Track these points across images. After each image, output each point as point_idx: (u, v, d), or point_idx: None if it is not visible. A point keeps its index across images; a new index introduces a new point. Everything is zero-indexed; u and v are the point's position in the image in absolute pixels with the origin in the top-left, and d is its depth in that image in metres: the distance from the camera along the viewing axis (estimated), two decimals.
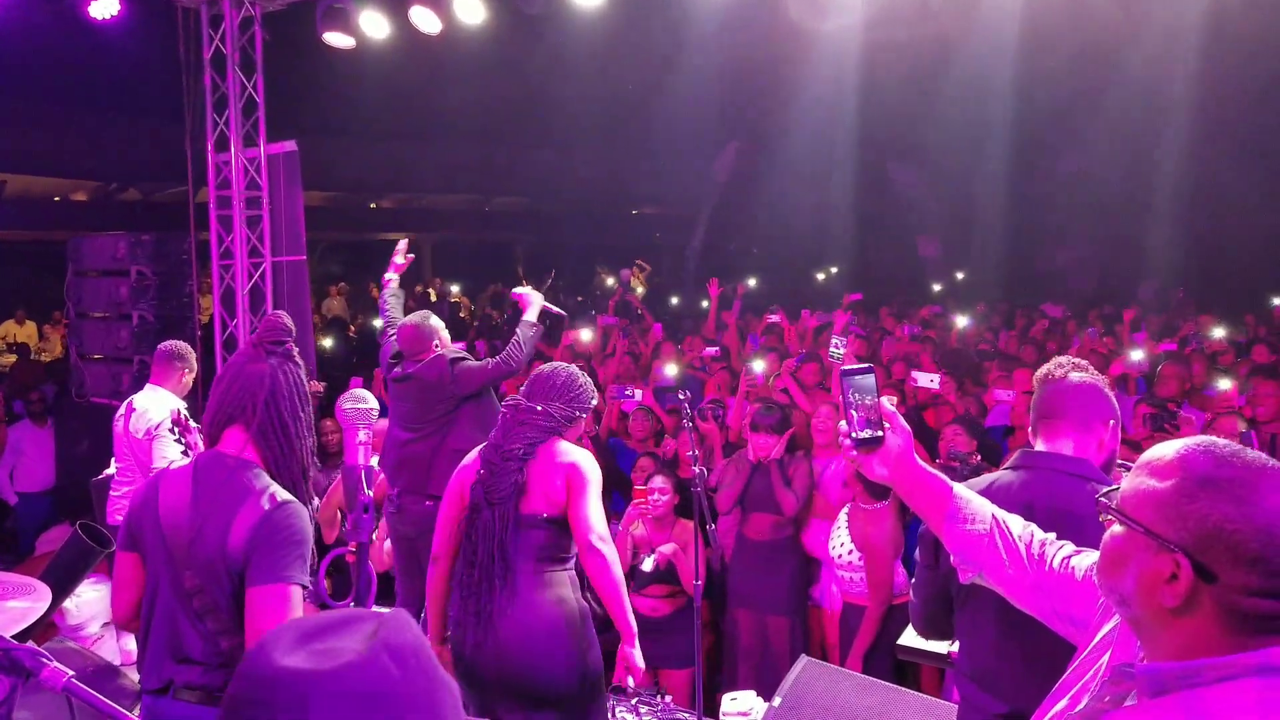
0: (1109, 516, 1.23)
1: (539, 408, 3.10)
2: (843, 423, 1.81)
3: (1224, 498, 1.12)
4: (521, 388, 3.26)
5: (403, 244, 4.96)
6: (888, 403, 1.81)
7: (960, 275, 17.81)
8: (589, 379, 3.26)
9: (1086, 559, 1.64)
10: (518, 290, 4.47)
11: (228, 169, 7.96)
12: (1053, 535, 1.79)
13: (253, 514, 2.13)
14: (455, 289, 19.11)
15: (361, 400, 1.94)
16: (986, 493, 2.33)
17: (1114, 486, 1.27)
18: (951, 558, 1.88)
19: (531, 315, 4.38)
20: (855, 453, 1.81)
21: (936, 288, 15.93)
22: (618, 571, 2.98)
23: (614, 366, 7.41)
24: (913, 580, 2.57)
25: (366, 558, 1.79)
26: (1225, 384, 4.99)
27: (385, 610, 0.96)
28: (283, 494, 2.19)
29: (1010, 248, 15.93)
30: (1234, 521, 1.11)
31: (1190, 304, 12.27)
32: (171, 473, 2.31)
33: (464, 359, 4.22)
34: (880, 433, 1.78)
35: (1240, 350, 7.94)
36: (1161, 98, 12.01)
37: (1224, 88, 11.66)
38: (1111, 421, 2.26)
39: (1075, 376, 2.28)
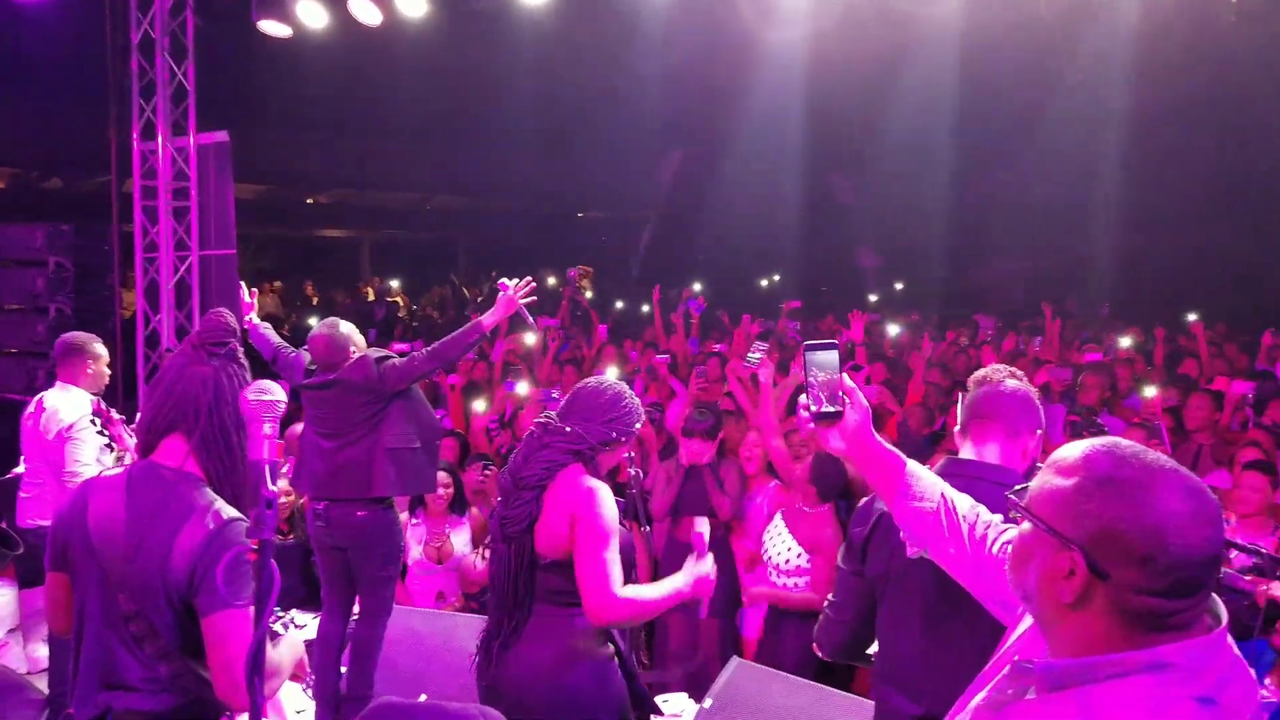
0: (1017, 514, 1.26)
1: (568, 428, 2.65)
2: (803, 396, 1.84)
3: (1118, 497, 1.16)
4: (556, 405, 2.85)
5: (243, 291, 4.80)
6: (848, 379, 1.83)
7: (898, 286, 18.10)
8: (636, 400, 2.80)
9: None
10: (504, 281, 4.22)
11: (154, 158, 7.73)
12: (999, 518, 1.82)
13: (197, 534, 1.96)
14: (395, 284, 18.85)
15: (267, 392, 1.84)
16: None
17: (1024, 485, 1.30)
18: (905, 538, 1.93)
19: (492, 317, 4.18)
20: (814, 426, 1.84)
21: (873, 298, 16.15)
22: (646, 615, 2.65)
23: (546, 368, 7.38)
24: (830, 597, 2.55)
25: (269, 556, 1.70)
26: (1150, 391, 5.12)
27: None
28: (228, 510, 2.03)
29: (947, 260, 16.23)
30: (1126, 521, 1.14)
31: (1115, 318, 12.61)
32: (101, 483, 2.11)
33: (389, 358, 4.10)
34: (840, 408, 1.81)
35: (1148, 359, 8.22)
36: (1095, 117, 12.35)
37: (1154, 109, 12.04)
38: (1039, 431, 2.33)
39: (1010, 384, 2.35)
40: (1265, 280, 12.86)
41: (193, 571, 1.95)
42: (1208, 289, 13.32)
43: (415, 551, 4.96)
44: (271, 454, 1.80)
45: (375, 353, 4.11)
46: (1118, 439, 1.24)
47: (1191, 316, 11.61)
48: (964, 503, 1.85)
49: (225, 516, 2.00)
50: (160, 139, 7.67)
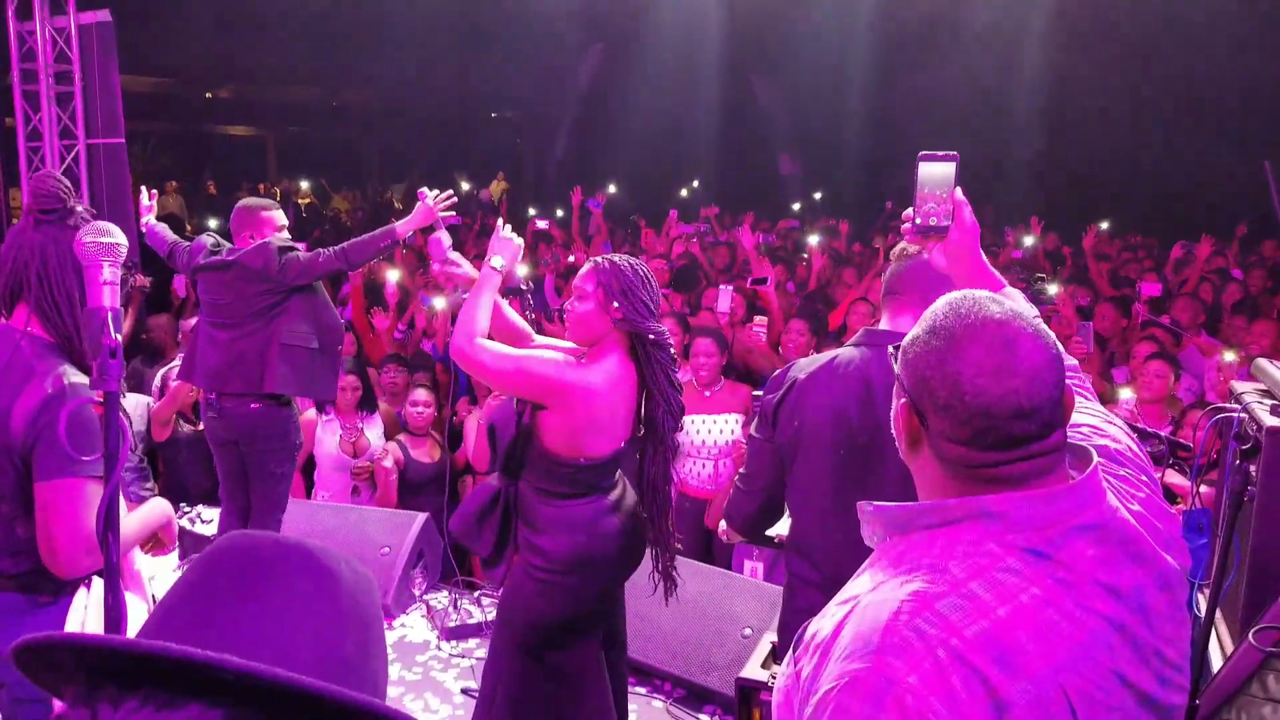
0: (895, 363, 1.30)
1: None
2: (909, 209, 1.80)
3: (933, 347, 1.19)
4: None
5: (143, 194, 4.54)
6: (959, 193, 1.78)
7: (818, 195, 18.13)
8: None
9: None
10: (424, 191, 3.98)
11: (32, 39, 7.18)
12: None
13: (35, 396, 1.94)
14: (305, 185, 18.11)
15: (105, 234, 1.73)
16: (827, 368, 2.35)
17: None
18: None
19: (407, 225, 3.98)
20: (913, 239, 1.81)
21: (796, 206, 16.14)
22: None
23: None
24: (742, 470, 2.56)
25: (116, 408, 1.62)
26: (1052, 289, 5.31)
27: None
28: (73, 375, 1.99)
29: (867, 168, 16.26)
30: (932, 368, 1.18)
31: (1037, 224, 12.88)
32: None
33: (294, 249, 3.93)
34: (946, 224, 1.77)
35: (1059, 260, 8.47)
36: (1015, 21, 12.35)
37: (1075, 13, 12.07)
38: None
39: (925, 255, 2.31)
40: (1181, 191, 13.24)
41: (29, 435, 1.94)
42: (1124, 198, 13.69)
43: (330, 445, 4.89)
44: (113, 301, 1.70)
45: (280, 240, 3.94)
46: (975, 291, 1.25)
47: (1103, 225, 11.96)
48: None
49: (68, 381, 1.98)
50: (37, 19, 7.11)
